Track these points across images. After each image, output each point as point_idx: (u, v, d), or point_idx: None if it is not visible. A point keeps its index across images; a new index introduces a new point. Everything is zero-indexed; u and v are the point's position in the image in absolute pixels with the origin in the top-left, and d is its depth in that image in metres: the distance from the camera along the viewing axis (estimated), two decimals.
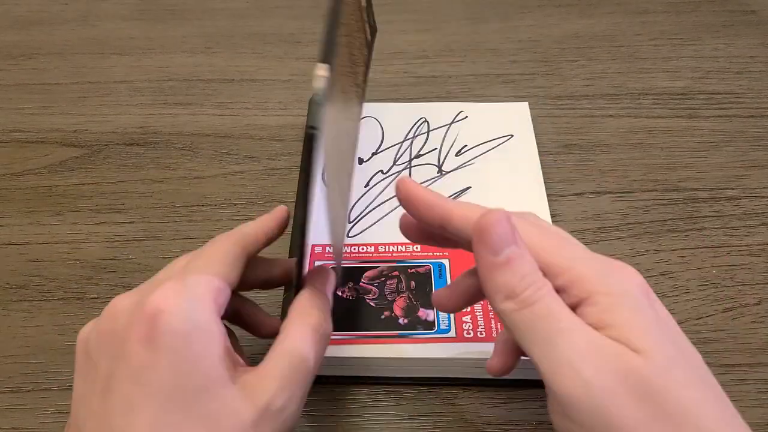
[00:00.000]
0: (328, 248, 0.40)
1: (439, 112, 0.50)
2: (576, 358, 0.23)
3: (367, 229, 0.42)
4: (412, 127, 0.49)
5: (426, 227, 0.29)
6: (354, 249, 0.41)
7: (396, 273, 0.39)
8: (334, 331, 0.36)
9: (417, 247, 0.40)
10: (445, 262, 0.39)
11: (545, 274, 0.25)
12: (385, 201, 0.44)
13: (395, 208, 0.43)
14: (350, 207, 0.43)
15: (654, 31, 0.62)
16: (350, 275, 0.39)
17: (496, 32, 0.62)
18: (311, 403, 0.36)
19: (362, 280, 0.39)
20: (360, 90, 0.37)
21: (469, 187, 0.44)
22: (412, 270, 0.39)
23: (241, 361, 0.27)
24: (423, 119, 0.49)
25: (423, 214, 0.28)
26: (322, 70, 0.26)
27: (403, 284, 0.38)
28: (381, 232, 0.42)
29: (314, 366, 0.27)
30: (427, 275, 0.39)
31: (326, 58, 0.27)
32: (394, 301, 0.37)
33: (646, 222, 0.45)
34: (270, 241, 0.32)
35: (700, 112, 0.53)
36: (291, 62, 0.59)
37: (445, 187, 0.44)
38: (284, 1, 0.67)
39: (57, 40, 0.63)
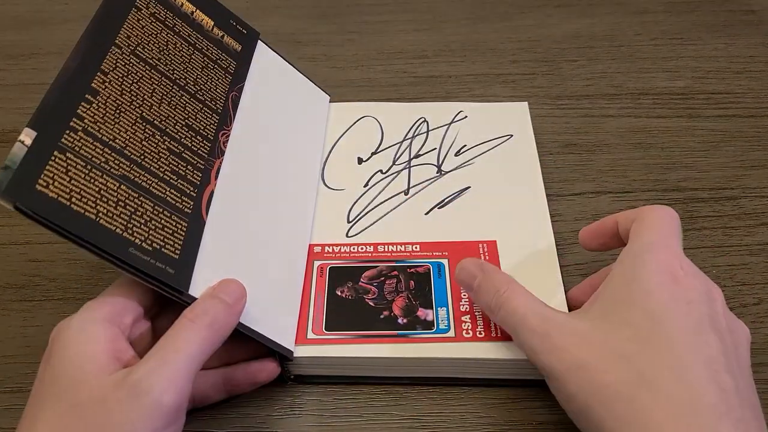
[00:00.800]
0: (327, 248, 0.40)
1: (439, 111, 0.50)
2: (531, 334, 0.31)
3: (366, 228, 0.42)
4: (412, 126, 0.49)
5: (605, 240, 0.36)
6: (353, 249, 0.41)
7: (395, 273, 0.39)
8: (334, 330, 0.36)
9: (416, 247, 0.40)
10: (444, 261, 0.39)
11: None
12: (385, 201, 0.44)
13: (394, 208, 0.43)
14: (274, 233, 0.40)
15: (654, 31, 0.62)
16: (350, 275, 0.39)
17: (496, 32, 0.62)
18: (312, 403, 0.36)
19: (361, 279, 0.39)
20: (217, 104, 0.39)
21: (469, 187, 0.44)
22: (412, 270, 0.39)
23: (132, 356, 0.30)
24: (422, 119, 0.49)
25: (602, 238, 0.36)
26: (24, 136, 0.26)
27: (402, 284, 0.38)
28: (380, 231, 0.42)
29: (190, 352, 0.29)
30: (426, 275, 0.39)
31: (35, 123, 0.26)
32: (394, 300, 0.37)
33: None
34: None
35: (700, 112, 0.53)
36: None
37: (445, 186, 0.44)
38: (284, 1, 0.67)
39: (57, 40, 0.63)
